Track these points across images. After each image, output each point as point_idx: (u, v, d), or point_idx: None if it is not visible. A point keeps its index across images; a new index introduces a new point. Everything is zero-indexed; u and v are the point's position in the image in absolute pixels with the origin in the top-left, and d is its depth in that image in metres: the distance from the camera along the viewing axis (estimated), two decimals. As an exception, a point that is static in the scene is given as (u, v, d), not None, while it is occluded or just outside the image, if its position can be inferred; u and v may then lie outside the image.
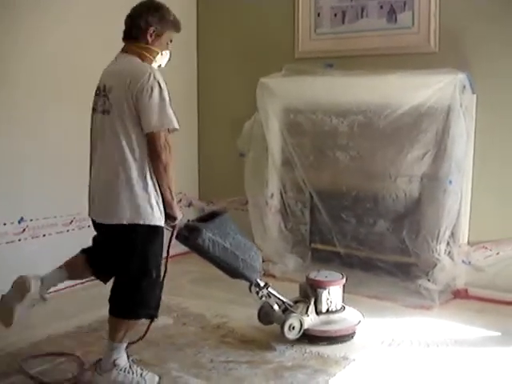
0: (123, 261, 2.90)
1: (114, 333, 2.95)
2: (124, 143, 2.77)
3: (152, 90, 2.72)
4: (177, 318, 3.97)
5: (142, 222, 2.80)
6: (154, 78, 2.75)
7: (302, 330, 3.50)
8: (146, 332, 3.05)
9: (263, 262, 4.80)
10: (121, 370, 2.96)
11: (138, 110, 2.73)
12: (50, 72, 4.35)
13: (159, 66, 2.99)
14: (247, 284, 3.51)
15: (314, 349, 3.49)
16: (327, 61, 4.78)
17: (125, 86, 2.74)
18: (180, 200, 5.53)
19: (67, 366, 3.28)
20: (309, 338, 3.53)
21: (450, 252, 4.30)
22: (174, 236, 3.02)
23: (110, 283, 3.07)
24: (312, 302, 3.57)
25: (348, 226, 4.75)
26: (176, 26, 2.99)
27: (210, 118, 5.63)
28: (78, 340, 3.61)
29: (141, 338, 3.09)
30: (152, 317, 2.98)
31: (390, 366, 3.32)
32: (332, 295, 3.62)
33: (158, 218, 2.85)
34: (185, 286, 4.64)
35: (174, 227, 2.98)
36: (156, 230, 2.86)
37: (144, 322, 3.03)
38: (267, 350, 3.51)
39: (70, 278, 3.19)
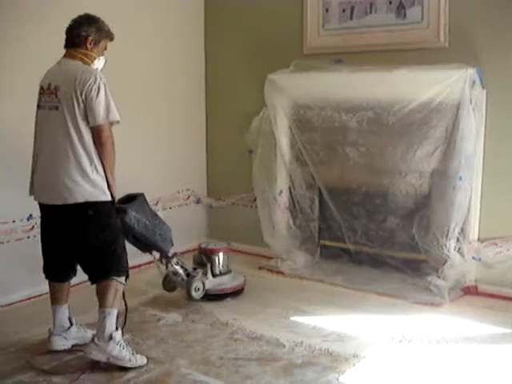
0: (93, 233, 3.24)
1: (102, 300, 3.27)
2: (73, 134, 3.15)
3: (99, 90, 3.13)
4: (186, 315, 3.97)
5: (104, 199, 3.22)
6: (100, 79, 3.17)
7: (204, 291, 4.14)
8: (125, 303, 3.44)
9: (272, 258, 4.85)
10: (117, 344, 3.22)
11: (87, 106, 3.13)
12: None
13: (96, 69, 3.33)
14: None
15: (324, 346, 3.48)
16: (336, 57, 4.76)
17: (74, 85, 3.13)
18: (188, 197, 5.54)
19: (76, 363, 3.29)
20: (209, 296, 4.17)
21: (459, 248, 4.27)
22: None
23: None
24: (209, 267, 4.24)
25: (357, 222, 4.74)
26: (110, 35, 3.40)
27: (218, 114, 5.61)
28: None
29: (126, 310, 3.44)
30: (126, 274, 3.36)
31: (400, 363, 3.31)
32: (222, 260, 4.32)
33: (103, 195, 3.23)
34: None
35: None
36: (107, 204, 3.25)
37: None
38: (276, 347, 3.50)
39: (66, 302, 3.54)
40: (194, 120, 5.57)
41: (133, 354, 3.26)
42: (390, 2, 4.59)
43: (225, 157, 5.57)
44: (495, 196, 4.24)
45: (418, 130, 4.34)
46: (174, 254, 4.07)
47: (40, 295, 4.23)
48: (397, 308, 4.09)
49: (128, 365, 3.23)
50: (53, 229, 3.37)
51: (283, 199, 5.06)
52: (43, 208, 3.38)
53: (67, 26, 3.32)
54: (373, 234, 4.69)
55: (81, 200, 3.16)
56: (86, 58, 3.29)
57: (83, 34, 3.27)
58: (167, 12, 5.19)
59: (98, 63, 3.36)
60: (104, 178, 3.22)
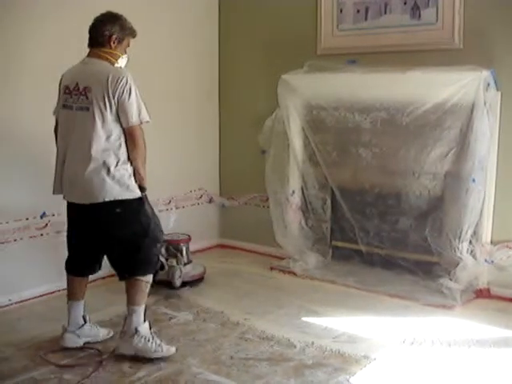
0: (120, 230, 3.31)
1: (129, 297, 3.35)
2: (102, 135, 3.19)
3: (131, 91, 3.18)
4: (197, 315, 3.98)
5: (131, 197, 3.26)
6: (131, 79, 3.20)
7: (181, 278, 4.39)
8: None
9: (284, 259, 4.85)
10: (142, 337, 3.29)
11: (119, 107, 3.18)
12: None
13: (120, 67, 3.36)
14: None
15: (335, 347, 3.48)
16: (350, 57, 4.75)
17: (106, 87, 3.16)
18: (201, 196, 5.55)
19: (87, 361, 3.31)
20: (183, 283, 4.43)
21: (472, 251, 4.25)
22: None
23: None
24: (180, 256, 4.50)
25: (370, 223, 4.73)
26: (133, 32, 3.41)
27: (231, 114, 5.62)
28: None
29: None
30: (153, 271, 3.44)
31: (411, 365, 3.30)
32: (187, 250, 4.61)
33: (133, 191, 3.28)
34: (205, 282, 4.64)
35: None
36: (136, 200, 3.31)
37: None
38: (287, 347, 3.50)
39: (82, 298, 3.59)
40: (207, 120, 5.58)
41: (159, 345, 3.31)
42: (405, 3, 4.58)
43: (237, 156, 5.58)
44: (508, 198, 4.22)
45: (431, 132, 4.32)
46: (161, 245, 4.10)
47: (53, 292, 4.28)
48: (408, 310, 4.08)
49: (154, 356, 3.29)
50: (80, 225, 3.44)
51: (295, 199, 5.06)
52: (71, 206, 3.43)
53: (90, 24, 3.32)
54: (385, 235, 4.68)
55: (108, 198, 3.21)
56: (110, 57, 3.30)
57: (107, 33, 3.27)
58: (181, 12, 5.20)
59: (122, 61, 3.38)
60: (131, 177, 3.26)
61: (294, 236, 5.01)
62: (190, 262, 4.61)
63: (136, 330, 3.30)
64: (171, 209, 5.15)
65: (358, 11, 4.80)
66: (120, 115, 3.19)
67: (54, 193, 3.44)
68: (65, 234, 4.36)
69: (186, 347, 3.49)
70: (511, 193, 4.21)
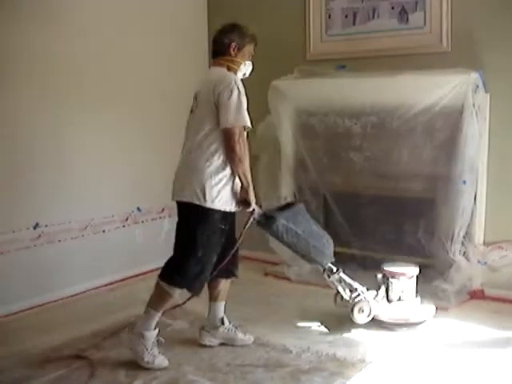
0: (178, 234, 3.36)
1: (151, 297, 3.35)
2: (200, 136, 3.25)
3: (232, 93, 3.18)
4: (193, 322, 3.97)
5: (197, 203, 3.22)
6: (235, 83, 3.24)
7: (371, 315, 3.75)
8: (184, 302, 3.43)
9: (278, 264, 4.84)
10: (143, 343, 3.28)
11: (218, 108, 3.20)
12: (61, 76, 4.37)
13: (244, 74, 3.49)
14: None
15: (331, 351, 3.48)
16: (339, 62, 4.77)
17: (212, 89, 3.23)
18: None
19: (82, 372, 3.28)
20: (380, 323, 3.78)
21: (465, 252, 4.26)
22: (254, 222, 3.43)
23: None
24: (383, 290, 3.85)
25: (363, 227, 4.73)
26: (253, 39, 3.52)
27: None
28: (95, 344, 3.62)
29: (179, 305, 3.47)
30: (185, 287, 3.30)
31: (407, 367, 3.30)
32: (404, 285, 3.85)
33: (211, 202, 3.22)
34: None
35: (251, 213, 3.37)
36: (209, 212, 3.24)
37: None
38: (283, 353, 3.50)
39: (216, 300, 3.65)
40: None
41: (155, 356, 3.31)
42: (393, 8, 4.61)
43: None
44: (500, 200, 4.24)
45: (421, 134, 4.35)
46: (338, 270, 3.79)
47: (43, 304, 4.25)
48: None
49: (142, 364, 3.30)
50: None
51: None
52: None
53: (213, 37, 3.49)
54: (378, 238, 4.68)
55: (187, 200, 3.25)
56: (231, 65, 3.39)
57: (226, 42, 3.39)
58: (169, 18, 5.21)
59: (245, 68, 3.47)
60: (224, 185, 3.25)
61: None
62: (408, 299, 3.90)
63: (142, 335, 3.30)
64: (164, 217, 5.14)
65: (346, 16, 4.83)
66: (219, 117, 3.21)
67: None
68: (57, 244, 4.40)
69: (181, 355, 3.48)
70: (502, 194, 4.24)
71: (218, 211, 3.27)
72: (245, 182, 3.27)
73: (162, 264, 3.89)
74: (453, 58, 4.29)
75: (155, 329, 3.35)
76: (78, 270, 4.49)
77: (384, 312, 3.80)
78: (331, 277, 3.78)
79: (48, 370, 3.30)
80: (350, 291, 3.81)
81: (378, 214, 4.68)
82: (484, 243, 4.30)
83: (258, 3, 5.29)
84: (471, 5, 4.27)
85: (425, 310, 3.86)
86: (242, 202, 3.34)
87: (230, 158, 3.22)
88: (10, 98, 4.09)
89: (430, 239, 4.36)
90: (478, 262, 4.27)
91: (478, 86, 4.11)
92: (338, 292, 3.84)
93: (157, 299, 3.34)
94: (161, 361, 3.33)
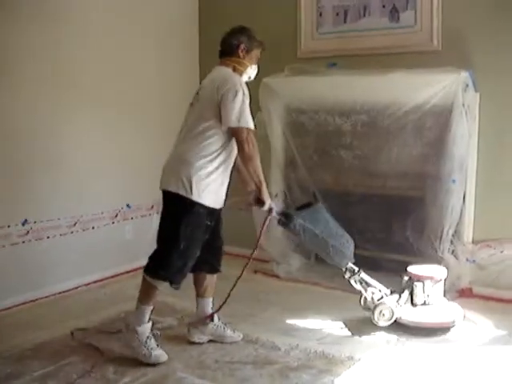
0: (162, 226, 3.37)
1: (139, 292, 3.38)
2: (198, 130, 3.27)
3: (236, 94, 3.21)
4: (181, 319, 3.96)
5: (183, 194, 3.23)
6: (241, 85, 3.27)
7: (392, 319, 3.69)
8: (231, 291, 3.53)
9: (267, 262, 4.84)
10: (138, 338, 3.31)
11: (221, 107, 3.22)
12: (56, 76, 4.36)
13: (249, 77, 3.52)
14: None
15: (320, 348, 3.49)
16: (330, 60, 4.77)
17: (214, 86, 3.26)
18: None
19: (71, 369, 3.27)
20: (402, 327, 3.70)
21: (454, 251, 4.29)
22: (272, 221, 3.54)
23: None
24: (407, 293, 3.75)
25: (352, 225, 4.72)
26: (261, 44, 3.54)
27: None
28: (83, 341, 3.61)
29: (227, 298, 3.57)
30: (168, 281, 3.31)
31: (396, 365, 3.32)
32: (429, 289, 3.75)
33: (197, 196, 3.24)
34: (190, 285, 4.62)
35: (269, 212, 3.45)
36: (194, 206, 3.25)
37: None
38: (272, 350, 3.50)
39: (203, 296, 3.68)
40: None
41: (152, 349, 3.32)
42: (384, 6, 4.62)
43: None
44: (489, 198, 4.26)
45: (411, 133, 4.37)
46: (358, 271, 3.79)
47: (35, 300, 4.24)
48: (392, 310, 4.09)
49: (141, 359, 3.32)
50: None
51: (278, 202, 5.06)
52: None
53: (221, 38, 3.51)
54: (369, 236, 4.69)
55: (172, 190, 3.26)
56: (238, 66, 3.42)
57: (235, 43, 3.42)
58: (160, 16, 5.20)
59: (251, 71, 3.51)
60: (212, 181, 3.29)
61: (276, 239, 5.01)
62: (433, 303, 3.79)
63: (136, 331, 3.33)
64: (154, 214, 5.13)
65: (338, 14, 4.84)
66: (222, 116, 3.23)
67: None
68: (46, 241, 4.38)
69: (170, 352, 3.46)
70: (491, 193, 4.26)
71: (204, 206, 3.28)
72: (257, 181, 3.32)
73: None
74: (443, 56, 4.30)
75: (148, 322, 3.37)
76: (67, 267, 4.47)
77: (407, 315, 3.72)
78: (352, 278, 3.77)
79: (38, 366, 3.29)
80: (372, 293, 3.80)
81: (368, 212, 4.69)
82: (473, 241, 4.32)
83: (250, 1, 5.28)
84: (462, 4, 4.29)
85: (451, 313, 3.77)
86: (256, 200, 3.40)
87: (241, 156, 3.32)
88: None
89: (419, 237, 4.38)
90: (467, 260, 4.29)
91: (467, 86, 4.13)
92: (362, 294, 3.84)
93: (144, 293, 3.36)
94: (159, 354, 3.34)
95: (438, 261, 4.23)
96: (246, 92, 3.29)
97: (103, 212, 4.77)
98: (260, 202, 3.39)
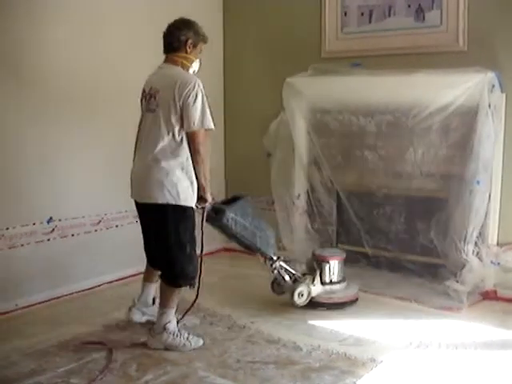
0: (162, 237, 3.44)
1: (162, 299, 3.50)
2: (165, 137, 3.32)
3: (197, 96, 3.28)
4: (204, 318, 3.98)
5: (173, 203, 3.33)
6: (198, 85, 3.33)
7: (309, 298, 4.03)
8: (195, 300, 3.61)
9: (290, 261, 4.84)
10: (170, 333, 3.47)
11: (183, 111, 3.29)
12: (76, 75, 4.39)
13: (194, 71, 3.55)
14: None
15: (342, 350, 3.48)
16: (354, 60, 4.75)
17: (173, 90, 3.29)
18: (206, 200, 5.55)
19: (94, 366, 3.30)
20: (315, 304, 4.08)
21: (478, 253, 4.24)
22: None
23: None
24: (318, 274, 4.10)
25: (375, 226, 4.73)
26: (205, 38, 3.57)
27: (236, 117, 5.63)
28: (105, 339, 3.64)
29: (192, 304, 3.62)
30: (187, 285, 3.49)
31: (418, 368, 3.29)
32: (334, 268, 4.15)
33: (185, 200, 3.35)
34: (212, 285, 4.64)
35: (203, 209, 3.52)
36: (186, 210, 3.38)
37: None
38: (294, 350, 3.50)
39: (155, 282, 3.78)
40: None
41: (187, 338, 3.49)
42: (409, 6, 4.58)
43: (243, 160, 5.58)
44: (514, 200, 4.22)
45: (436, 134, 4.33)
46: (278, 258, 4.06)
47: (59, 297, 4.29)
48: (415, 312, 4.07)
49: (183, 350, 3.47)
50: (143, 222, 3.62)
51: (301, 203, 5.06)
52: (136, 204, 3.58)
53: (164, 31, 3.49)
54: (391, 237, 4.68)
55: (162, 201, 3.33)
56: (185, 61, 3.46)
57: (183, 38, 3.44)
58: (185, 15, 5.20)
59: (195, 65, 3.54)
60: (191, 183, 3.37)
61: (300, 239, 5.01)
62: (339, 281, 4.18)
63: (164, 328, 3.46)
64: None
65: (362, 14, 4.81)
66: (184, 119, 3.30)
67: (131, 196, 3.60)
68: (71, 238, 4.43)
69: (192, 351, 3.48)
70: (517, 194, 4.21)
71: (191, 208, 3.42)
72: (204, 181, 3.41)
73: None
74: (469, 57, 4.26)
75: (174, 317, 3.52)
76: (91, 265, 4.50)
77: (320, 294, 4.10)
78: (273, 264, 4.01)
79: (61, 362, 3.33)
80: (289, 277, 4.06)
81: (391, 213, 4.67)
82: (497, 244, 4.27)
83: (274, 1, 5.27)
84: (488, 4, 4.25)
85: (353, 290, 4.20)
86: (200, 199, 3.47)
87: (195, 159, 3.35)
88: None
89: (443, 239, 4.34)
90: (491, 262, 4.24)
91: (493, 86, 4.08)
92: (275, 280, 4.14)
93: (166, 299, 3.50)
94: (196, 340, 3.53)
95: (462, 263, 4.20)
96: (203, 89, 3.34)
97: (127, 210, 4.78)
98: (202, 200, 3.47)
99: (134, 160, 3.56)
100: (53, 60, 4.24)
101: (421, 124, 4.35)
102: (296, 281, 4.06)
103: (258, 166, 5.32)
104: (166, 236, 3.42)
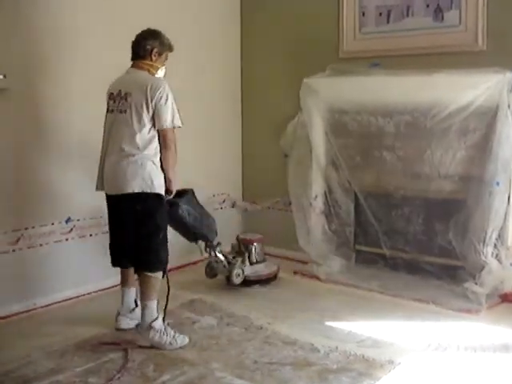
0: (139, 224, 3.59)
1: (143, 293, 3.61)
2: (137, 135, 3.53)
3: (167, 98, 3.54)
4: (220, 319, 3.98)
5: (149, 191, 3.53)
6: (167, 88, 3.58)
7: (243, 277, 4.53)
8: (168, 287, 3.64)
9: (306, 263, 4.85)
10: (157, 331, 3.55)
11: (155, 111, 3.53)
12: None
13: (159, 77, 3.74)
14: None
15: (359, 351, 3.47)
16: (372, 60, 4.73)
17: (145, 93, 3.53)
18: (224, 201, 5.56)
19: (112, 366, 3.33)
20: (247, 282, 4.57)
21: (497, 255, 4.20)
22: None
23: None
24: (246, 256, 4.65)
25: (393, 227, 4.70)
26: (170, 48, 3.79)
27: (253, 118, 5.63)
28: (120, 339, 3.66)
29: (168, 293, 3.64)
30: (162, 270, 3.63)
31: (436, 370, 3.27)
32: (258, 249, 4.73)
33: (159, 188, 3.58)
34: (229, 286, 4.64)
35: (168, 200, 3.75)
36: (161, 197, 3.61)
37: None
38: (311, 351, 3.49)
39: (133, 285, 3.91)
40: (229, 124, 5.59)
41: (173, 336, 3.57)
42: (428, 6, 4.55)
43: (260, 160, 5.58)
44: (534, 202, 4.17)
45: (455, 135, 4.30)
46: (218, 244, 4.46)
47: (78, 297, 4.32)
48: (433, 315, 4.04)
49: (168, 348, 3.53)
50: (115, 216, 3.75)
51: (318, 204, 5.05)
52: (108, 198, 3.74)
53: (133, 40, 3.70)
54: (409, 239, 4.65)
55: (138, 190, 3.52)
56: (151, 69, 3.68)
57: (148, 48, 3.67)
58: (204, 14, 5.22)
59: (161, 72, 3.75)
60: (160, 174, 3.57)
61: (317, 240, 5.00)
62: (262, 260, 4.77)
63: (150, 326, 3.55)
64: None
65: (380, 14, 4.79)
66: (155, 119, 3.54)
67: (96, 189, 3.78)
68: (89, 238, 4.45)
69: (209, 351, 3.50)
70: (536, 196, 4.17)
71: (164, 196, 3.62)
72: (171, 175, 3.61)
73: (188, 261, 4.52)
74: (488, 57, 4.22)
75: (159, 314, 3.60)
76: (108, 265, 4.50)
77: (250, 273, 4.61)
78: (215, 250, 4.43)
79: (79, 362, 3.36)
80: (228, 262, 4.52)
81: (409, 214, 4.64)
82: (517, 246, 4.24)
83: (292, 0, 5.27)
84: (507, 3, 4.21)
85: (274, 267, 4.80)
86: (166, 191, 3.66)
87: (165, 154, 3.58)
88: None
89: (462, 241, 4.31)
90: (511, 264, 4.21)
91: (513, 86, 4.05)
92: (209, 264, 4.57)
93: (148, 289, 3.59)
94: (182, 339, 3.59)
95: (481, 264, 4.17)
96: (171, 92, 3.58)
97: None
98: (168, 192, 3.66)
99: (101, 158, 3.72)
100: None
101: (440, 125, 4.33)
102: (230, 263, 4.51)
103: (275, 167, 5.32)
104: (143, 223, 3.58)
